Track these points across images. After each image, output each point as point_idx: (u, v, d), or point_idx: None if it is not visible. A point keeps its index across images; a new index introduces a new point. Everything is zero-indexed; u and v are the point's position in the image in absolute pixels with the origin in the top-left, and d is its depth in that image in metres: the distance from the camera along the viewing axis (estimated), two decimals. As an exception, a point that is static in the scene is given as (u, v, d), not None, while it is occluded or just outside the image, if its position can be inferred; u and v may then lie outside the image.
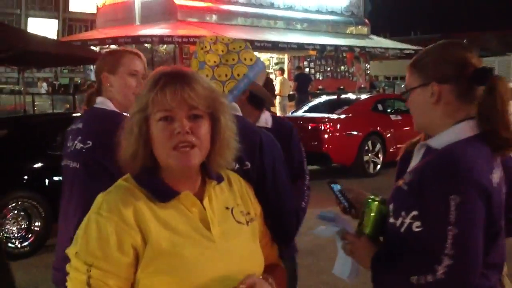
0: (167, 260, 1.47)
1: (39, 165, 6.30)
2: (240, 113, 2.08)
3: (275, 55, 22.59)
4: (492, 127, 1.67)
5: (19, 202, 6.02)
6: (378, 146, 10.67)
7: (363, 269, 1.82)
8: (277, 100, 16.31)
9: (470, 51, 1.75)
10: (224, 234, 1.57)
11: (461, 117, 1.71)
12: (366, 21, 25.74)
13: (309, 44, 21.21)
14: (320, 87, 21.47)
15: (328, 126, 10.27)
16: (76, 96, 15.02)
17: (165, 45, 19.11)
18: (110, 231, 1.46)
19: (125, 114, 1.99)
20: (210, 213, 1.58)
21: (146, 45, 18.57)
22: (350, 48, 22.98)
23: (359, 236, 1.82)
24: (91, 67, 17.96)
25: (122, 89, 2.43)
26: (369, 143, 10.58)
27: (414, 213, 1.62)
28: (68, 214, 2.33)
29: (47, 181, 6.16)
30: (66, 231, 2.29)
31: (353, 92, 16.09)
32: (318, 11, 23.44)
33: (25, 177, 6.18)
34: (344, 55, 23.80)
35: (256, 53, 2.31)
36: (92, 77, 16.99)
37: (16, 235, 6.03)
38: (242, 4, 21.09)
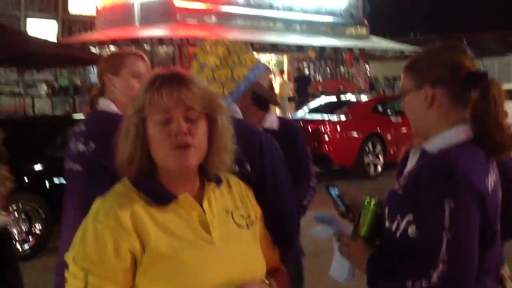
0: (167, 264, 1.45)
1: (39, 167, 6.29)
2: (240, 115, 2.08)
3: (274, 56, 22.57)
4: (486, 131, 1.67)
5: (20, 205, 6.02)
6: (379, 147, 10.66)
7: (360, 272, 1.81)
8: (277, 101, 16.26)
9: (464, 54, 1.74)
10: (225, 237, 1.55)
11: (454, 120, 1.70)
12: (365, 22, 25.73)
13: (308, 46, 21.20)
14: (319, 88, 21.44)
15: (328, 127, 10.26)
16: (76, 98, 15.02)
17: (165, 47, 19.11)
18: (107, 237, 1.45)
19: None
20: (210, 215, 1.56)
21: (145, 46, 18.56)
22: (350, 49, 22.95)
23: (355, 239, 1.81)
24: (92, 69, 17.94)
25: (125, 91, 2.43)
26: (370, 144, 10.57)
27: (409, 217, 1.60)
28: (70, 218, 2.33)
29: (47, 183, 6.15)
30: (67, 236, 2.28)
31: (353, 93, 16.08)
32: (317, 12, 23.38)
33: (26, 179, 6.17)
34: (344, 56, 23.80)
35: (255, 55, 2.31)
36: (93, 79, 16.98)
37: (16, 237, 6.02)
38: (241, 6, 21.08)
